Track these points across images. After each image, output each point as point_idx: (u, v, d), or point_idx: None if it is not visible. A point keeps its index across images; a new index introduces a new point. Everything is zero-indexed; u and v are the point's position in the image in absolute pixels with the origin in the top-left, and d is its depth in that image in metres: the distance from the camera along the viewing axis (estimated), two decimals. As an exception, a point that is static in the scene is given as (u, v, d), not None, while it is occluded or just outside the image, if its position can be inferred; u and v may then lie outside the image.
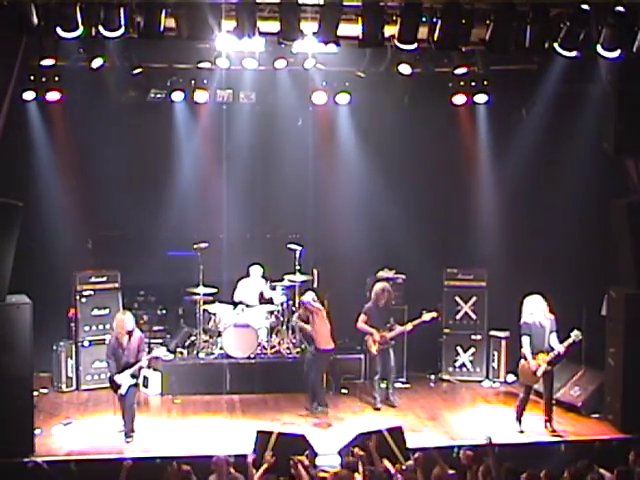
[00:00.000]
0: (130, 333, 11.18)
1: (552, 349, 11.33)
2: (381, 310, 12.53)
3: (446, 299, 13.95)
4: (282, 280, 14.01)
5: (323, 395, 12.35)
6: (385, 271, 13.95)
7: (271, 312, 13.76)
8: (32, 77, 12.18)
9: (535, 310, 11.44)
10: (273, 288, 13.93)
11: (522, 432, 11.58)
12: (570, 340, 11.26)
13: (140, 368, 11.23)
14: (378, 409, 12.50)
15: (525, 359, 11.45)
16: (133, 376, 11.12)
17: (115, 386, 11.16)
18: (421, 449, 9.98)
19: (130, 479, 8.80)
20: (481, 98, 13.36)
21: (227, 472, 8.96)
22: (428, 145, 14.08)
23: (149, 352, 11.75)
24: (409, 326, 12.53)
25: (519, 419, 11.65)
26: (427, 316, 12.53)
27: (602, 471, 8.86)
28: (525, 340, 11.40)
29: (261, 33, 10.27)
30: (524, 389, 11.70)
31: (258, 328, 13.41)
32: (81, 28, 9.69)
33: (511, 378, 13.51)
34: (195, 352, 13.50)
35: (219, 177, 14.57)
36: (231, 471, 9.07)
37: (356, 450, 9.26)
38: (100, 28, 9.79)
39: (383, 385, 12.62)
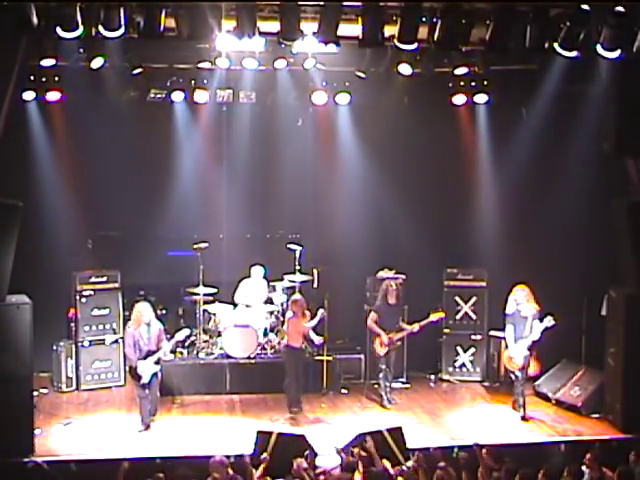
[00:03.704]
0: (148, 324, 11.42)
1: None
2: (392, 308, 12.51)
3: (446, 299, 13.94)
4: (282, 280, 14.01)
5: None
6: (385, 271, 13.93)
7: (271, 312, 13.76)
8: (32, 77, 12.19)
9: (521, 300, 11.92)
10: (273, 289, 13.93)
11: (525, 419, 11.98)
12: (543, 325, 11.73)
13: (164, 354, 11.57)
14: (384, 407, 12.52)
15: (507, 347, 12.09)
16: (156, 363, 11.42)
17: (137, 376, 11.38)
18: (421, 449, 10.01)
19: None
20: (481, 98, 13.36)
21: (225, 473, 8.94)
22: (428, 145, 14.09)
23: (170, 339, 11.79)
24: (416, 327, 12.52)
25: (520, 407, 12.05)
26: (434, 316, 12.59)
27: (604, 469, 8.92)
28: (509, 329, 12.00)
29: (261, 33, 10.28)
30: (511, 376, 12.18)
31: (258, 328, 13.42)
32: (81, 28, 9.70)
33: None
34: (195, 352, 13.50)
35: (219, 177, 14.60)
36: (229, 472, 9.04)
37: (356, 450, 9.26)
38: (100, 28, 9.81)
39: (387, 384, 12.65)
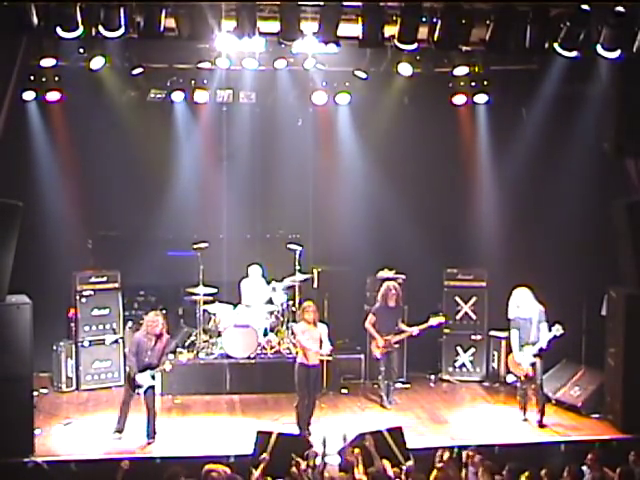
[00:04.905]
0: (158, 336, 11.12)
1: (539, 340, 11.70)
2: (391, 311, 12.45)
3: (446, 299, 13.95)
4: (282, 280, 14.00)
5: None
6: (385, 271, 13.95)
7: (271, 312, 13.75)
8: (32, 77, 12.20)
9: (522, 303, 11.76)
10: (273, 289, 13.92)
11: (526, 420, 11.91)
12: (551, 334, 11.55)
13: (163, 370, 11.22)
14: (384, 407, 12.51)
15: (511, 351, 11.93)
16: (153, 377, 11.08)
17: (134, 385, 11.07)
18: (421, 449, 10.01)
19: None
20: (481, 98, 13.36)
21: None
22: (428, 145, 14.09)
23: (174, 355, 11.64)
24: (415, 330, 12.48)
25: (522, 410, 11.99)
26: (434, 320, 12.55)
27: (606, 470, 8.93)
28: (514, 334, 11.80)
29: (261, 33, 10.29)
30: (518, 381, 12.03)
31: (258, 328, 13.42)
32: (81, 28, 9.70)
33: (511, 378, 13.41)
34: (195, 352, 13.50)
35: (219, 177, 14.61)
36: (228, 472, 8.98)
37: (356, 450, 9.25)
38: (100, 28, 9.81)
39: (390, 383, 12.62)
